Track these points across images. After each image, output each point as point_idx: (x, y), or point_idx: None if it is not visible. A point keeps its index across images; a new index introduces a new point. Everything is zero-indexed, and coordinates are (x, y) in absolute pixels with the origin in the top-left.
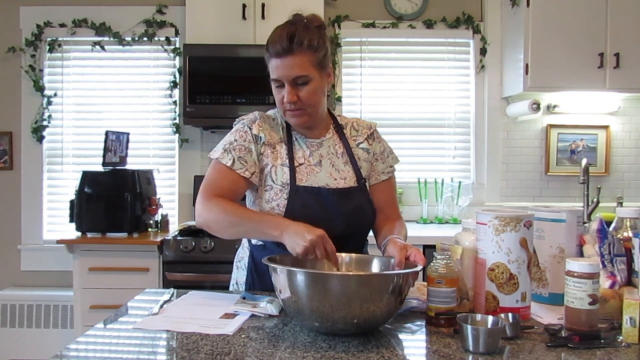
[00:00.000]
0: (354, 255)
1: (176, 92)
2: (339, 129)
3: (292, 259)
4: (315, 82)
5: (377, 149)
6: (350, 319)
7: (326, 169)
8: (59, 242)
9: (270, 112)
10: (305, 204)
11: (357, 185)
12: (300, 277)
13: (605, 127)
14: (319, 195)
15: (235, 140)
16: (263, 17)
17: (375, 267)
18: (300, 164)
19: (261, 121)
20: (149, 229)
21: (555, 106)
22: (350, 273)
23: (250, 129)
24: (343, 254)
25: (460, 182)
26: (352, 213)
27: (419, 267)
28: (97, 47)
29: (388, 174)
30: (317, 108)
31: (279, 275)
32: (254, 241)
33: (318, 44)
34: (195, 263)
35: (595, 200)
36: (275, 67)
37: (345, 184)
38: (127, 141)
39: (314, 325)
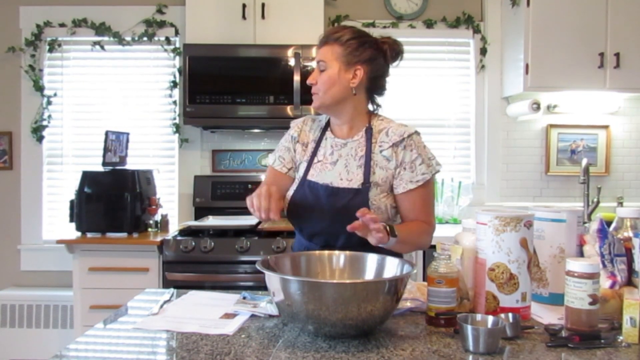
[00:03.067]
0: (347, 252)
1: (176, 92)
2: (369, 133)
3: (290, 262)
4: (331, 71)
5: (407, 158)
6: (348, 321)
7: (338, 169)
8: (59, 242)
9: (320, 116)
10: (304, 196)
11: (360, 187)
12: (294, 284)
13: (606, 127)
14: (316, 190)
15: (281, 142)
16: (263, 17)
17: (369, 265)
18: (319, 161)
19: (302, 123)
20: (149, 229)
21: (555, 106)
22: (347, 281)
23: (291, 130)
24: (336, 252)
25: (460, 182)
26: (339, 211)
27: (414, 270)
28: (97, 47)
29: (417, 182)
30: (327, 95)
31: (272, 280)
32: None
33: (347, 42)
34: (195, 263)
35: (595, 200)
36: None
37: (348, 184)
38: (127, 141)
39: (310, 330)
